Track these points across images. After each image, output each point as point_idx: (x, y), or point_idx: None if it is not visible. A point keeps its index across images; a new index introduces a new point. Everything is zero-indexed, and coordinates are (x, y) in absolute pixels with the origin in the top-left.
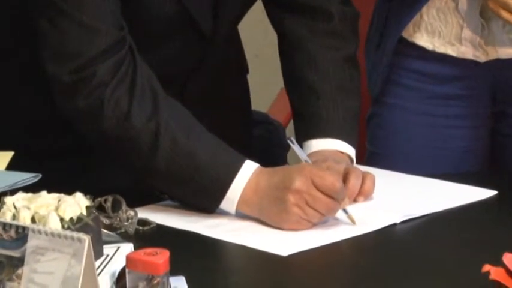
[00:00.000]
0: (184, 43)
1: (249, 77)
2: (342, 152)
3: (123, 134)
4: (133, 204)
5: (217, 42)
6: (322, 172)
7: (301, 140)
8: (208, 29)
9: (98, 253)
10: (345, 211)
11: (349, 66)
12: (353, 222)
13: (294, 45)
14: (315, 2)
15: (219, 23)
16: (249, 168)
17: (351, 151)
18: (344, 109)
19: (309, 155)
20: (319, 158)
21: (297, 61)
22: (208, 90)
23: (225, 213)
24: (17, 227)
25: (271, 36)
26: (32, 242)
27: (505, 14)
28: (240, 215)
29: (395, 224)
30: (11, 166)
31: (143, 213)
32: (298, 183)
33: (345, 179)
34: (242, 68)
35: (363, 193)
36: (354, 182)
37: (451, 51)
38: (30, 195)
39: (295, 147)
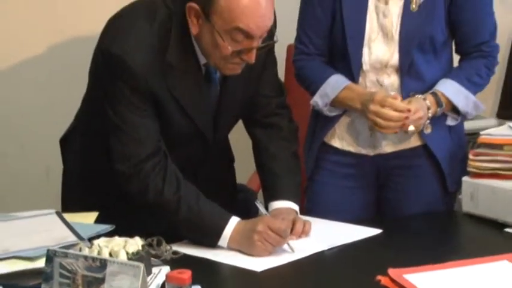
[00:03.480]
0: (195, 147)
1: (235, 164)
2: (291, 208)
3: (158, 203)
4: (169, 241)
5: (216, 145)
6: (274, 220)
7: (267, 202)
8: (211, 138)
9: (149, 272)
10: (288, 244)
11: (294, 158)
12: (292, 250)
13: (261, 146)
14: (273, 121)
15: (217, 133)
16: (233, 221)
17: (296, 207)
18: (292, 183)
19: (272, 211)
20: (277, 212)
21: (262, 156)
22: (211, 174)
23: (222, 247)
24: (100, 259)
25: (248, 139)
26: (109, 268)
27: (377, 129)
28: (230, 248)
29: (323, 251)
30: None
31: (175, 247)
32: (260, 227)
33: (293, 224)
34: (230, 158)
35: (304, 232)
36: (298, 226)
37: (352, 149)
38: (108, 238)
39: (259, 206)
